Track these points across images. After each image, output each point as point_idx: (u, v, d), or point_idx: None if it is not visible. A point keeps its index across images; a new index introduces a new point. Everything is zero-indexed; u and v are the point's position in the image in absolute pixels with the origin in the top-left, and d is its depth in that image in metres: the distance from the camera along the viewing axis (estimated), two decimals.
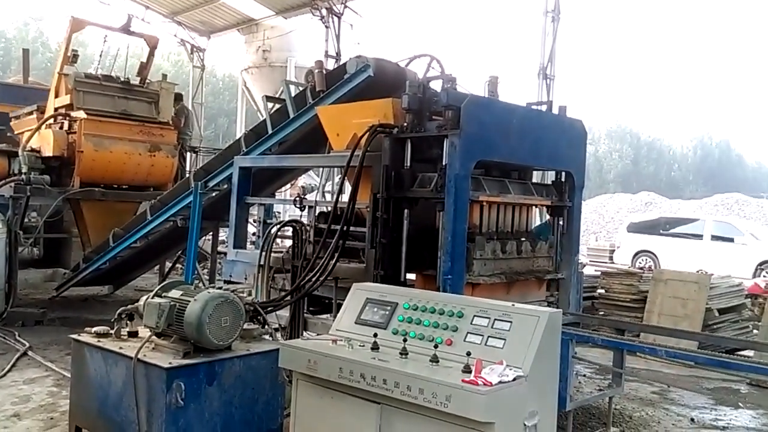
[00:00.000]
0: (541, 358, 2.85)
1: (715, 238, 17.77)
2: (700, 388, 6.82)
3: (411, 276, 5.02)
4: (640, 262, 17.84)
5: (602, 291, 8.96)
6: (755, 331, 8.04)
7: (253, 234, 7.57)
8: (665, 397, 6.30)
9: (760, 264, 16.77)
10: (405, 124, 4.84)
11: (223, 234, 11.07)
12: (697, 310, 7.79)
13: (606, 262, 19.14)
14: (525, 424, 2.75)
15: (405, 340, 3.03)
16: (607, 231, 30.51)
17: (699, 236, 18.03)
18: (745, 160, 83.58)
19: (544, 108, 6.10)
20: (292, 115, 6.21)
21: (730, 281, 8.79)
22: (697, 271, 8.90)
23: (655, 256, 18.32)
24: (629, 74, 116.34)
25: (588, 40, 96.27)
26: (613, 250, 20.78)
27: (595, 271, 10.17)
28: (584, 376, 6.67)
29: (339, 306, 4.78)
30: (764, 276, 14.27)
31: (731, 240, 17.49)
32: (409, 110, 4.80)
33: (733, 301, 8.43)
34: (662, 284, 8.15)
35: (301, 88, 6.48)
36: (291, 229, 5.43)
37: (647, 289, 8.31)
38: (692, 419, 5.60)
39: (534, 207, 5.89)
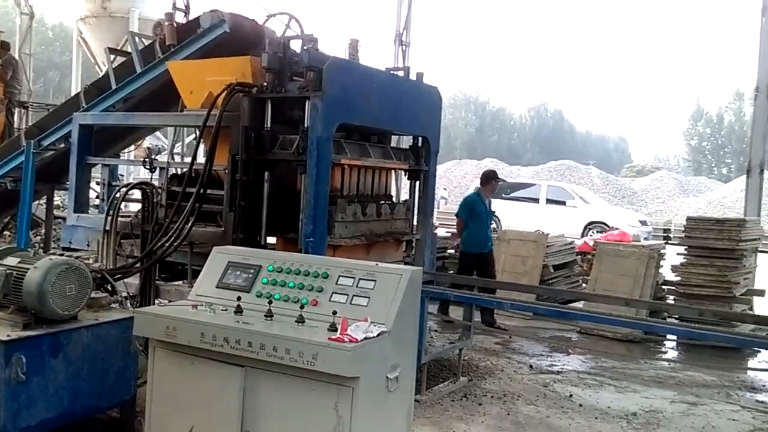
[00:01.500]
0: (402, 314, 2.95)
1: (549, 201, 19.35)
2: (538, 337, 7.48)
3: (271, 240, 4.96)
4: None
5: (452, 251, 9.44)
6: (584, 285, 8.92)
7: (97, 197, 7.06)
8: (507, 347, 6.84)
9: (588, 224, 18.52)
10: (265, 83, 4.71)
11: (60, 198, 10.18)
12: (535, 266, 8.49)
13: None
14: (387, 377, 2.86)
15: (270, 303, 3.00)
16: (455, 195, 32.04)
17: (536, 200, 19.53)
18: (576, 129, 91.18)
19: (401, 74, 6.22)
20: (139, 70, 5.80)
21: (563, 240, 9.65)
22: (535, 232, 9.63)
23: (498, 218, 19.57)
24: (476, 45, 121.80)
25: (437, 10, 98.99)
26: None
27: (446, 232, 10.66)
28: (435, 331, 7.05)
29: (195, 272, 4.62)
30: (591, 235, 15.77)
31: (563, 203, 19.13)
32: (269, 69, 4.68)
33: (566, 258, 9.28)
34: (505, 244, 8.76)
35: (147, 42, 6.07)
36: (140, 192, 5.12)
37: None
38: (531, 366, 6.13)
39: (393, 170, 6.05)
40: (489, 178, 8.16)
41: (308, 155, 4.44)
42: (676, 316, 7.12)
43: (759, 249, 8.44)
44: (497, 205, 19.63)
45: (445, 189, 31.53)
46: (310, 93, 4.46)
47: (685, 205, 31.98)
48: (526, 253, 8.58)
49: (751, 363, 7.04)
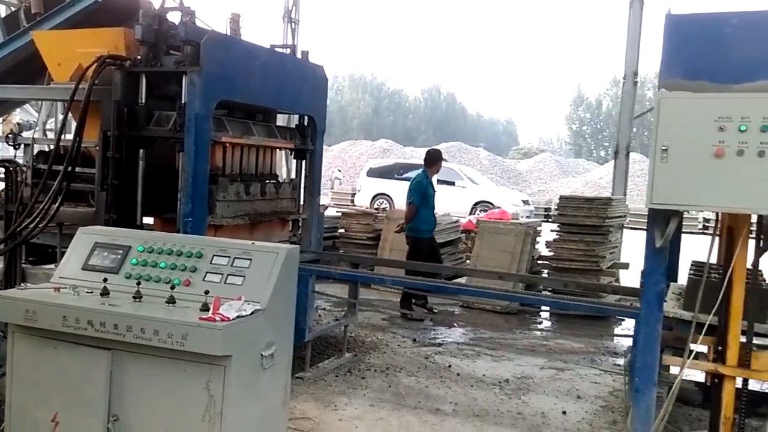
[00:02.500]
0: (279, 292, 2.97)
1: (440, 181, 19.77)
2: (423, 313, 7.72)
3: (149, 220, 4.80)
4: (378, 204, 19.25)
5: (342, 231, 9.53)
6: (468, 261, 9.28)
7: None
8: (393, 323, 7.03)
9: (476, 204, 19.24)
10: (139, 57, 4.52)
11: None
12: None
13: (349, 205, 20.29)
14: (262, 355, 2.87)
15: (139, 284, 2.92)
16: (350, 176, 32.19)
17: None
18: (468, 112, 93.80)
19: (287, 52, 6.15)
20: (2, 39, 5.38)
21: (448, 219, 9.97)
22: None
23: (391, 198, 19.93)
24: (373, 26, 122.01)
25: None
26: (355, 194, 22.07)
27: (336, 212, 10.73)
28: (324, 309, 7.11)
29: (64, 254, 4.39)
30: (478, 214, 16.40)
31: (453, 183, 19.74)
32: (143, 42, 4.48)
33: (451, 236, 9.61)
34: (393, 223, 8.93)
35: (13, 9, 5.64)
36: (3, 170, 4.77)
37: (381, 227, 9.07)
38: (414, 339, 6.35)
39: (278, 149, 5.99)
40: (435, 158, 7.85)
41: (186, 132, 4.31)
42: (550, 289, 7.61)
43: (624, 225, 9.12)
44: (391, 186, 20.17)
45: (339, 170, 31.60)
46: (187, 68, 4.32)
47: (564, 185, 33.89)
48: None
49: (617, 330, 7.65)
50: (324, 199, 25.29)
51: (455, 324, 7.27)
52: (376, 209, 10.23)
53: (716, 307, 3.27)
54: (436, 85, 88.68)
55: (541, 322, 7.95)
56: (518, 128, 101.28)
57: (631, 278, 8.61)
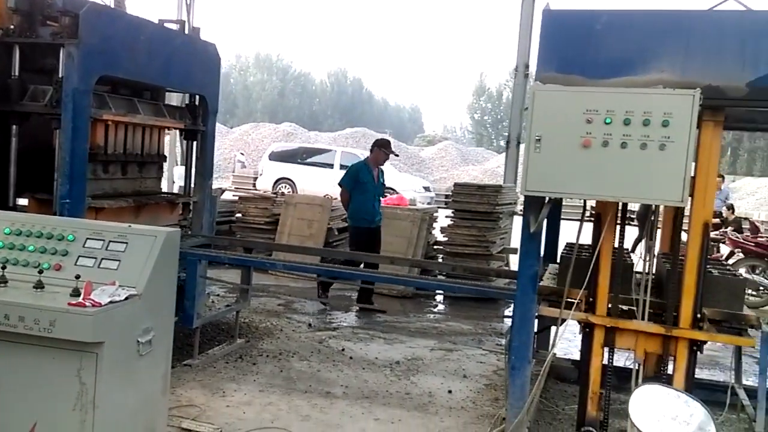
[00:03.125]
0: (157, 277, 2.89)
1: (343, 167, 19.86)
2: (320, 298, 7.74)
3: (23, 201, 4.53)
4: (280, 189, 19.03)
5: (240, 215, 9.36)
6: None
7: None
8: (289, 308, 7.01)
9: None
10: (12, 26, 4.23)
11: None
12: (320, 229, 8.74)
13: (251, 189, 19.92)
14: (138, 341, 2.79)
15: (4, 268, 2.76)
16: (253, 159, 31.56)
17: (331, 165, 20.00)
18: (375, 98, 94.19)
19: (176, 27, 5.93)
20: None
21: None
22: (324, 196, 9.89)
23: (294, 183, 19.76)
24: (281, 6, 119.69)
25: None
26: (257, 178, 21.68)
27: (233, 195, 10.52)
28: (218, 295, 6.98)
29: None
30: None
31: None
32: (16, 11, 4.21)
33: None
34: (292, 207, 8.89)
35: None
36: None
37: (280, 212, 8.98)
38: (309, 324, 6.37)
39: (166, 129, 5.79)
40: (376, 146, 7.35)
41: (63, 108, 4.09)
42: (444, 273, 7.83)
43: (515, 212, 9.52)
44: (294, 170, 19.97)
45: (242, 153, 30.90)
46: (65, 40, 4.09)
47: (465, 173, 34.84)
48: (312, 216, 8.79)
49: (506, 312, 7.99)
50: (225, 183, 24.65)
51: (351, 308, 7.33)
52: (275, 194, 10.09)
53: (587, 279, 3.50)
54: (342, 69, 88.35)
55: (436, 306, 8.17)
56: (424, 116, 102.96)
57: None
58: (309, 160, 20.53)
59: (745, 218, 13.29)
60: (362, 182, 7.10)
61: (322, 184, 18.56)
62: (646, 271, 3.53)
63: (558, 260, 4.82)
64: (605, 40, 3.31)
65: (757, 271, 9.05)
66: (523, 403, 3.62)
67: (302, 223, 8.77)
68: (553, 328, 3.96)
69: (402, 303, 7.77)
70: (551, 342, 3.80)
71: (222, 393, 4.36)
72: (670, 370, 3.52)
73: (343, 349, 5.58)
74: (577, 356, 5.63)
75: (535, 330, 5.20)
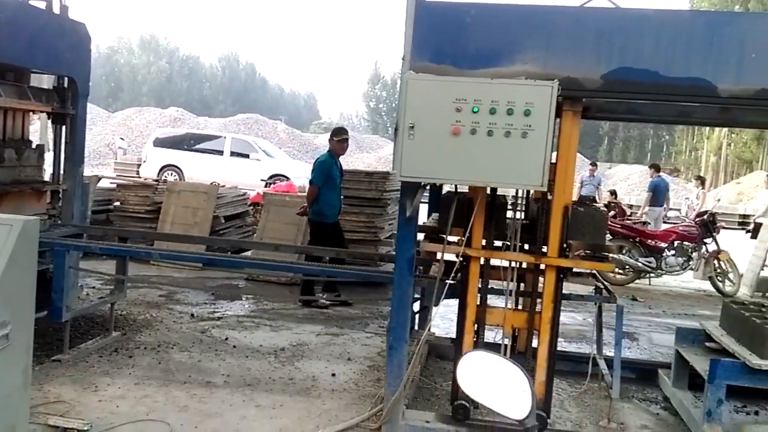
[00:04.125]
0: (13, 268, 2.72)
1: (234, 154, 19.49)
2: (205, 287, 7.58)
3: None
4: (165, 176, 18.32)
5: (118, 204, 8.94)
6: (255, 235, 9.25)
7: None
8: (171, 299, 6.79)
9: (270, 177, 19.15)
10: None
11: None
12: (205, 218, 8.51)
13: (133, 177, 19.03)
14: None
15: None
16: (136, 145, 30.14)
17: (220, 152, 19.49)
18: (269, 84, 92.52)
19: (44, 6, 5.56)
20: None
21: (236, 192, 9.84)
22: (211, 183, 9.66)
23: (181, 170, 19.09)
24: None
25: None
26: (140, 165, 20.75)
27: (111, 183, 10.03)
28: (94, 288, 6.65)
29: None
30: (271, 186, 16.35)
31: (247, 156, 19.44)
32: None
33: (239, 209, 9.50)
34: (175, 195, 8.60)
35: None
36: None
37: (162, 200, 8.66)
38: (192, 314, 6.21)
39: (32, 113, 5.43)
40: (336, 136, 7.16)
41: None
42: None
43: None
44: (181, 157, 19.26)
45: (122, 139, 29.40)
46: None
47: (360, 160, 35.10)
48: (197, 204, 8.55)
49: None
50: (106, 170, 23.38)
51: (237, 297, 7.22)
52: (156, 181, 9.71)
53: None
54: (234, 53, 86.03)
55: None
56: (320, 103, 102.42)
57: None
58: (197, 146, 19.88)
59: (616, 202, 14.30)
60: (333, 177, 6.94)
61: (211, 171, 18.09)
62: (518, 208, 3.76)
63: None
64: (474, 32, 3.45)
65: (624, 251, 9.78)
66: (400, 381, 3.74)
67: (186, 212, 8.50)
68: (433, 309, 4.11)
69: (291, 290, 7.75)
70: (428, 320, 3.94)
71: (94, 388, 4.18)
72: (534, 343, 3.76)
73: (226, 339, 5.50)
74: (451, 334, 5.87)
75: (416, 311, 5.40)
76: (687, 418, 4.34)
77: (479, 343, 3.86)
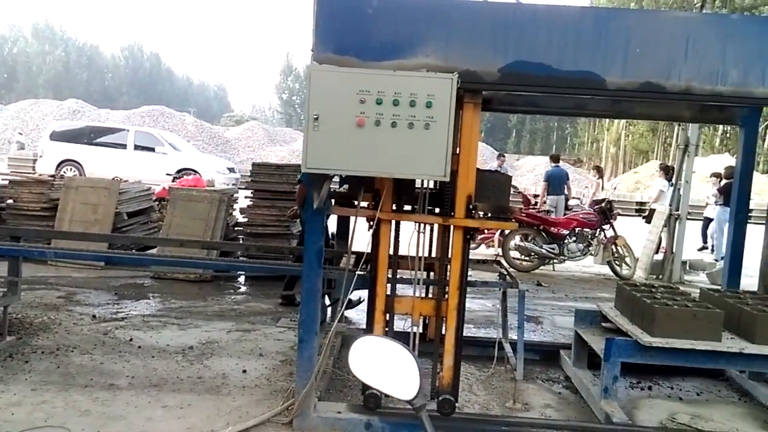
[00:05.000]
0: None
1: (138, 147, 18.72)
2: (108, 287, 7.26)
3: None
4: (64, 172, 17.37)
5: (11, 201, 8.40)
6: (161, 231, 8.95)
7: None
8: (71, 300, 6.47)
9: (178, 171, 18.55)
10: None
11: None
12: (107, 214, 8.15)
13: (30, 173, 17.93)
14: None
15: None
16: (32, 139, 28.39)
17: (123, 146, 18.67)
18: (176, 75, 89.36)
19: None
20: None
21: (139, 187, 9.47)
22: (113, 178, 9.23)
23: (81, 165, 18.16)
24: None
25: None
26: (36, 160, 19.58)
27: (2, 179, 9.40)
28: None
29: None
30: (177, 180, 15.84)
31: (152, 149, 18.73)
32: None
33: (142, 205, 9.15)
34: (73, 191, 8.17)
35: None
36: None
37: (59, 197, 8.21)
38: (94, 316, 5.93)
39: None
40: None
41: None
42: (244, 254, 7.75)
43: None
44: (81, 152, 18.31)
45: (21, 133, 27.62)
46: None
47: (273, 153, 34.62)
48: (97, 201, 8.16)
49: None
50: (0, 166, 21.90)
51: (143, 296, 6.97)
52: (52, 176, 9.18)
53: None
54: (138, 43, 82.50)
55: (239, 288, 8.06)
56: (231, 95, 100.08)
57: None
58: (98, 140, 18.94)
59: (520, 192, 14.85)
60: None
61: (113, 166, 17.32)
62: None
63: None
64: (376, 24, 3.48)
65: (529, 239, 10.18)
66: (311, 374, 3.74)
67: (86, 208, 8.10)
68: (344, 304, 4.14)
69: (200, 287, 7.56)
70: (338, 312, 3.96)
71: None
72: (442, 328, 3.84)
73: (131, 339, 5.30)
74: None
75: (327, 303, 5.41)
76: (586, 396, 4.59)
77: (389, 332, 3.91)
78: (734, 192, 5.26)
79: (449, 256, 3.79)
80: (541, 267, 10.25)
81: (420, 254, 3.96)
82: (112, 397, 4.11)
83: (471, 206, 3.66)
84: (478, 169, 3.70)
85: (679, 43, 3.39)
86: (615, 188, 13.43)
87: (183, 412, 3.95)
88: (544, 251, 10.06)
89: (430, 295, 4.39)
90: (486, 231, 10.89)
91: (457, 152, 3.66)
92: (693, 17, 3.88)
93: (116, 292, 6.95)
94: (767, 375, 4.90)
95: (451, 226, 3.75)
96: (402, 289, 3.99)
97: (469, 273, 3.93)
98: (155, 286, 7.49)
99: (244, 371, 4.75)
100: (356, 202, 3.78)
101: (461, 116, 3.62)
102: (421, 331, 4.02)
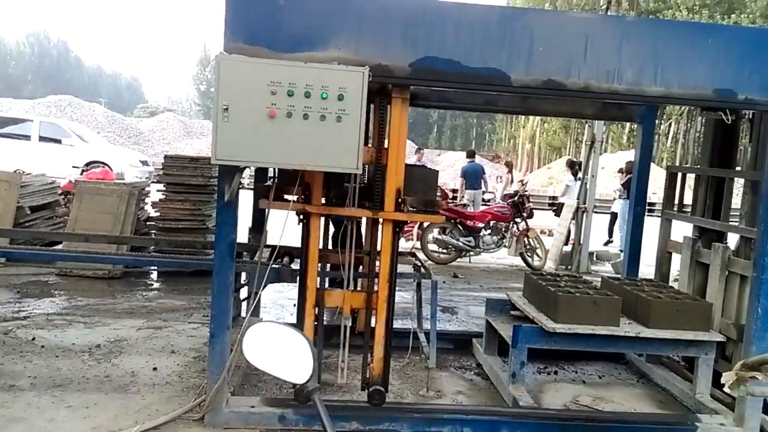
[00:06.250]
0: None
1: (43, 139, 17.76)
2: (9, 284, 6.88)
3: None
4: None
5: None
6: (67, 226, 8.54)
7: None
8: None
9: (87, 164, 17.74)
10: None
11: None
12: (7, 208, 7.71)
13: None
14: None
15: None
16: None
17: (27, 137, 17.67)
18: (85, 64, 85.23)
19: None
20: None
21: (43, 180, 9.00)
22: (15, 171, 8.72)
23: None
24: None
25: None
26: None
27: None
28: None
29: None
30: (84, 173, 15.14)
31: (59, 141, 17.82)
32: None
33: (47, 199, 8.70)
34: None
35: None
36: None
37: None
38: None
39: None
40: None
41: None
42: (157, 249, 7.52)
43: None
44: None
45: None
46: None
47: (189, 146, 33.66)
48: None
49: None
50: None
51: (47, 294, 6.64)
52: None
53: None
54: (44, 30, 78.08)
55: (152, 284, 7.82)
56: (145, 86, 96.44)
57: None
58: (0, 131, 17.83)
59: (438, 186, 15.11)
60: None
61: (17, 158, 16.33)
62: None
63: None
64: (288, 15, 3.45)
65: (446, 232, 10.40)
66: (222, 368, 3.69)
67: None
68: (260, 294, 4.11)
69: (109, 284, 7.27)
70: (250, 305, 3.93)
71: None
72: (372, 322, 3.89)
73: (33, 339, 5.05)
74: (289, 320, 5.90)
75: (243, 297, 5.35)
76: (496, 381, 4.76)
77: (319, 325, 3.94)
78: (633, 186, 5.58)
79: (378, 249, 3.86)
80: (458, 259, 10.50)
81: (350, 247, 4.00)
82: (13, 398, 3.92)
83: (400, 200, 3.73)
84: (406, 164, 3.77)
85: (578, 43, 3.56)
86: (525, 183, 13.94)
87: (88, 411, 3.82)
88: (460, 244, 10.30)
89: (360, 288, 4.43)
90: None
91: (386, 146, 3.72)
92: (592, 18, 4.08)
93: (18, 290, 6.60)
94: (663, 358, 5.24)
95: (381, 220, 3.80)
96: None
97: None
98: (61, 283, 7.16)
99: (155, 369, 4.63)
100: (269, 196, 3.76)
101: (388, 111, 3.69)
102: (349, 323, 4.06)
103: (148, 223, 8.36)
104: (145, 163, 19.72)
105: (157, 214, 8.03)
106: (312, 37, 3.45)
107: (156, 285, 7.69)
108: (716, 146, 5.05)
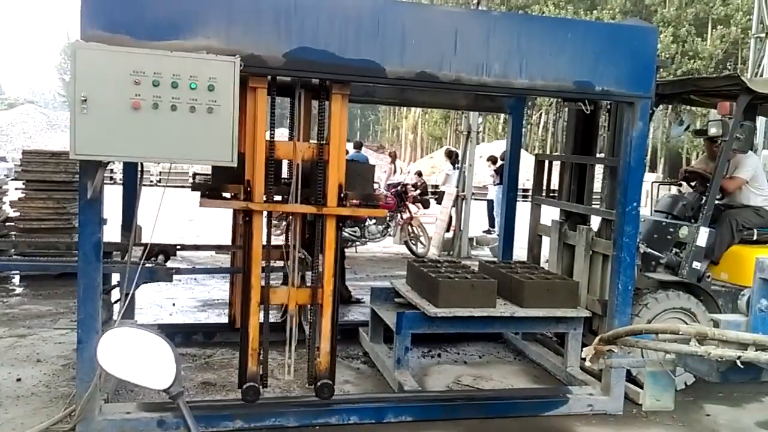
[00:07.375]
0: None
1: None
2: None
3: None
4: None
5: None
6: None
7: None
8: None
9: None
10: None
11: None
12: None
13: None
14: None
15: None
16: None
17: None
18: None
19: None
20: None
21: None
22: None
23: None
24: None
25: None
26: None
27: None
28: None
29: None
30: None
31: None
32: None
33: None
34: None
35: None
36: None
37: None
38: None
39: None
40: None
41: None
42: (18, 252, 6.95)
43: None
44: None
45: None
46: None
47: (54, 140, 31.39)
48: None
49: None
50: None
51: None
52: None
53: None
54: None
55: (13, 290, 7.21)
56: (1, 76, 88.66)
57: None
58: None
59: None
60: None
61: None
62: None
63: None
64: (152, 1, 3.28)
65: None
66: (93, 376, 3.48)
67: None
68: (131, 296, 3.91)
69: None
70: (121, 308, 3.73)
71: None
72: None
73: None
74: (163, 320, 5.68)
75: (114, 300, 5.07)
76: (382, 368, 4.83)
77: (265, 324, 3.83)
78: (505, 174, 5.85)
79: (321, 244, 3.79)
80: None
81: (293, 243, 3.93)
82: None
83: (342, 195, 3.69)
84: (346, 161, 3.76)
85: (448, 36, 3.65)
86: (408, 172, 14.23)
87: None
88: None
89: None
90: None
91: (327, 143, 3.68)
92: (460, 12, 4.21)
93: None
94: (537, 335, 5.55)
95: (324, 215, 3.74)
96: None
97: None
98: None
99: (19, 380, 4.30)
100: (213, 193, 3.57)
101: (328, 107, 3.65)
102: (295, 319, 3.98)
103: (6, 223, 7.69)
104: (3, 159, 18.16)
105: (17, 213, 7.41)
106: (178, 24, 3.30)
107: (18, 290, 7.11)
108: (578, 135, 5.39)
